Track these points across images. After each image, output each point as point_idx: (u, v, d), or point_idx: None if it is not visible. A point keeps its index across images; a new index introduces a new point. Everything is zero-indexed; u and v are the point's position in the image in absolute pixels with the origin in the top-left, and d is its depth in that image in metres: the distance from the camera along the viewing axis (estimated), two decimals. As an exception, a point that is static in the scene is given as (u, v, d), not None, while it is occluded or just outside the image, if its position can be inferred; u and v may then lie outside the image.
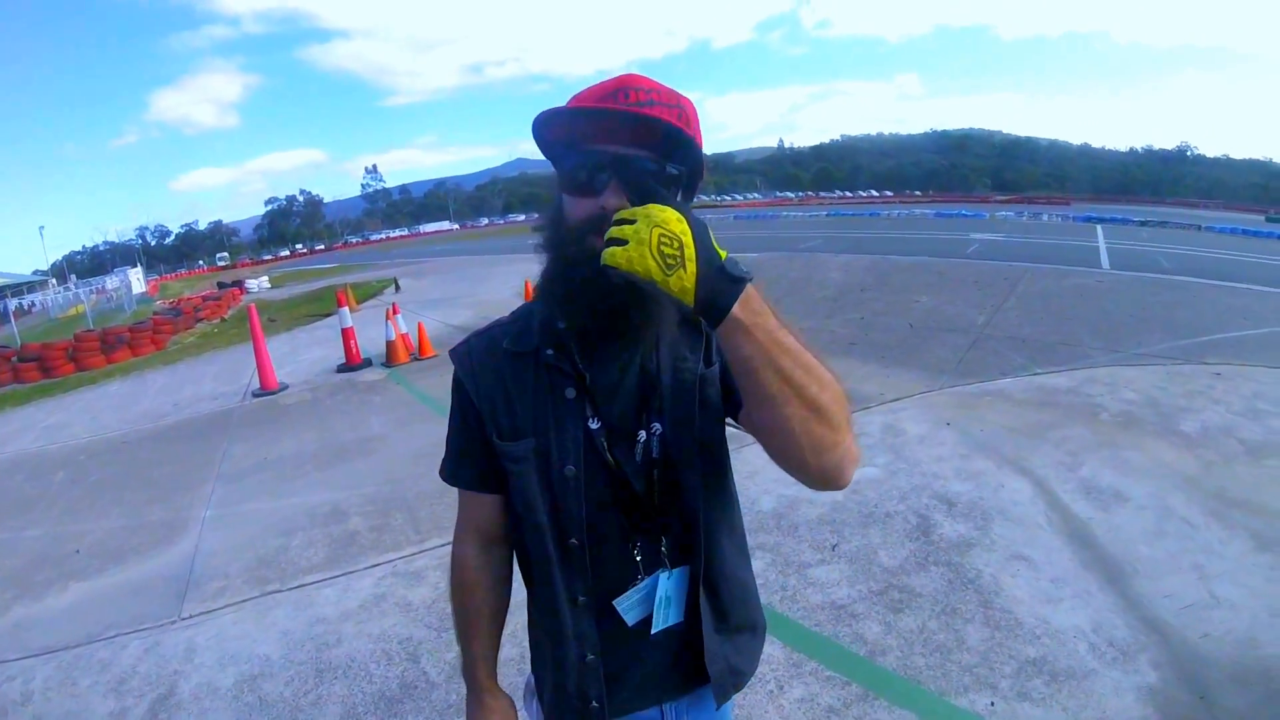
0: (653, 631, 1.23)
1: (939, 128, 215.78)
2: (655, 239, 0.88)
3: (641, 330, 1.12)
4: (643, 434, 1.19)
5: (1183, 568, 3.79)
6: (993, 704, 2.83)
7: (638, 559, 1.22)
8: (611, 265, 0.91)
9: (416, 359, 9.82)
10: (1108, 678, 2.96)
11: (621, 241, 0.90)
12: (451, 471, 1.32)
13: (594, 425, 1.17)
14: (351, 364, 9.84)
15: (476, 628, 1.36)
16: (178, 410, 8.77)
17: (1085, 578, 3.70)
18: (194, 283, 51.67)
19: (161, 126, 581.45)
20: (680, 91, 1.06)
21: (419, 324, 10.38)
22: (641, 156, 1.03)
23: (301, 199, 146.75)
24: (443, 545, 4.28)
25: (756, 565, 4.03)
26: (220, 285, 32.81)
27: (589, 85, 1.08)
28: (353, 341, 9.92)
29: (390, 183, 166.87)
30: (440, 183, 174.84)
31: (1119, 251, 21.69)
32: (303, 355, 11.36)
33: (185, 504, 5.49)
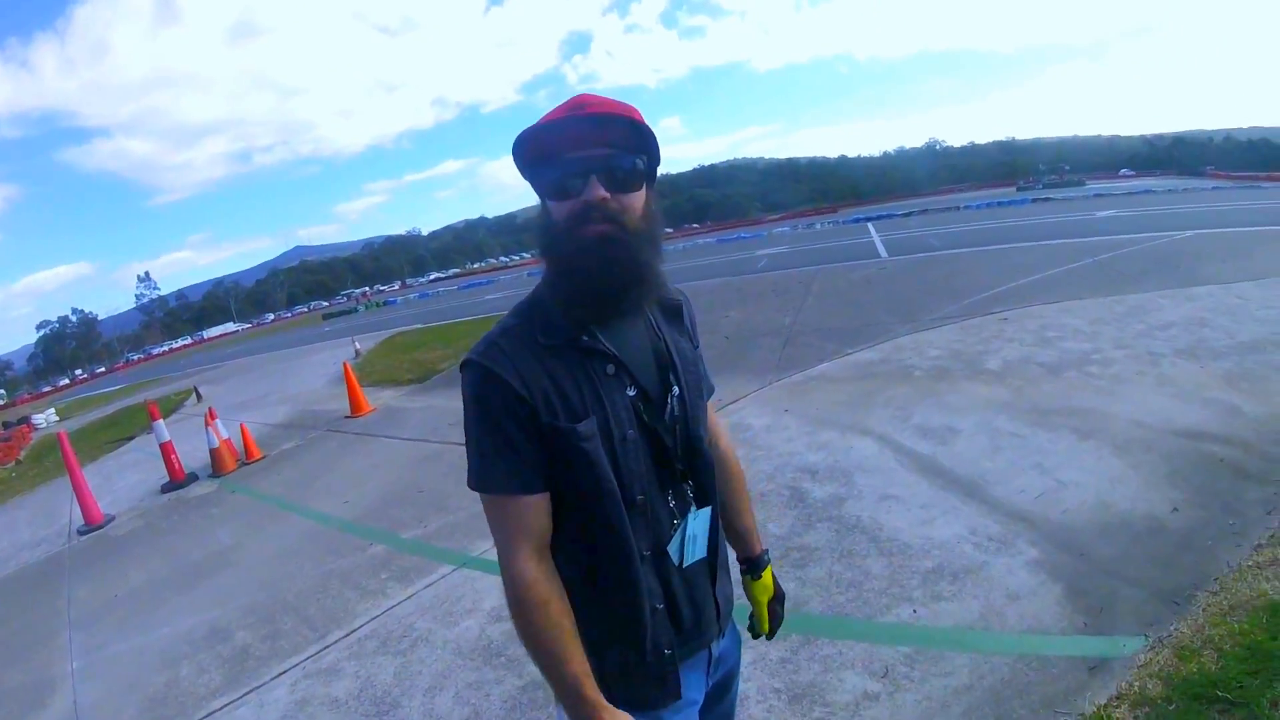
0: (684, 565, 1.39)
1: (705, 163, 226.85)
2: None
3: (642, 302, 1.36)
4: (669, 398, 1.38)
5: (1025, 469, 4.34)
6: (915, 611, 3.15)
7: (671, 505, 1.39)
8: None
9: (244, 464, 9.27)
10: (998, 564, 3.37)
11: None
12: (499, 480, 1.28)
13: (631, 393, 1.34)
14: (176, 481, 9.02)
15: (567, 645, 1.27)
16: (1, 564, 7.87)
17: (947, 498, 4.14)
18: None
19: None
20: (622, 101, 1.28)
21: (241, 425, 9.82)
22: (608, 154, 1.25)
23: (74, 319, 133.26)
24: (346, 635, 4.11)
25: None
26: (6, 425, 29.37)
27: (545, 112, 1.28)
28: (174, 456, 9.13)
29: (165, 289, 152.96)
30: (218, 282, 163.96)
31: (892, 241, 23.75)
32: (118, 482, 10.34)
33: (43, 662, 4.85)
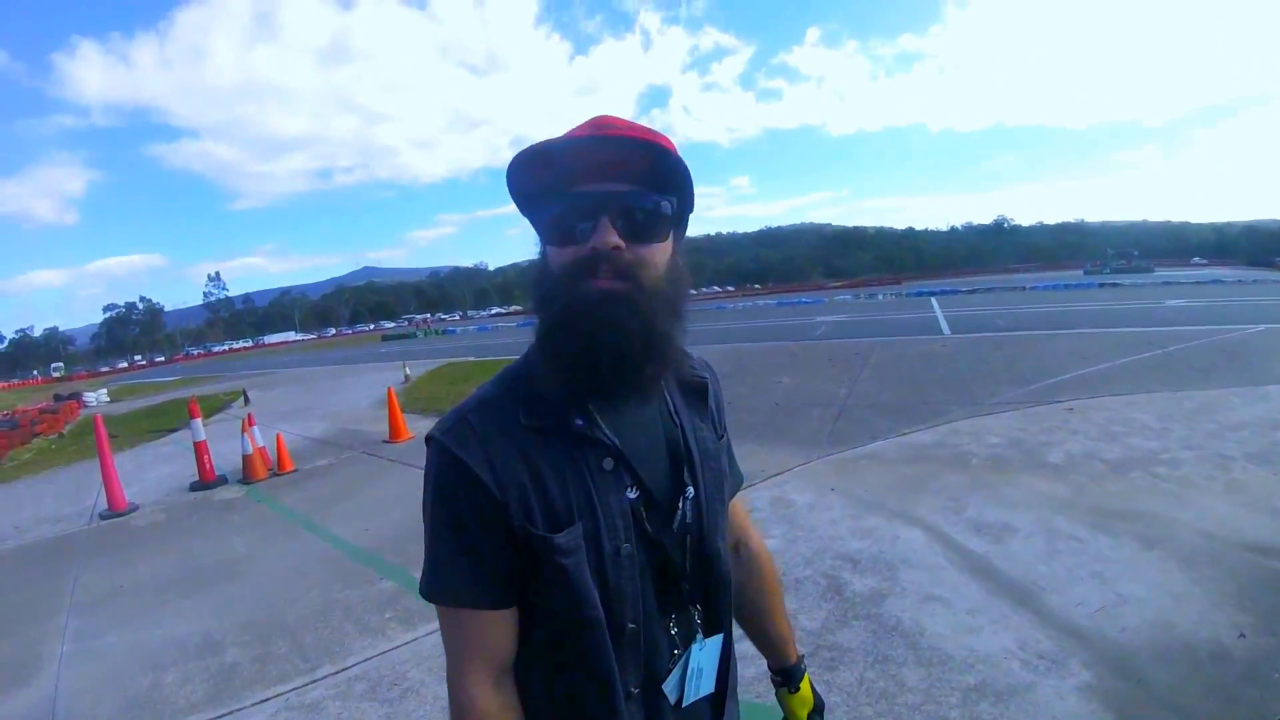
0: (685, 704, 1.17)
1: (772, 224, 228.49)
2: None
3: (654, 380, 1.08)
4: (680, 501, 1.14)
5: (1083, 578, 4.05)
6: (947, 733, 2.89)
7: (674, 632, 1.16)
8: None
9: (275, 474, 9.29)
10: (1047, 686, 3.10)
11: None
12: (456, 590, 1.05)
13: (632, 495, 1.08)
14: (206, 481, 9.13)
15: None
16: (18, 534, 7.86)
17: (997, 604, 3.87)
18: (27, 394, 47.60)
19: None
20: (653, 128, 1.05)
21: (278, 436, 9.88)
22: (627, 191, 1.01)
23: (141, 306, 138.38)
24: (337, 672, 3.98)
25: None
26: (57, 398, 30.28)
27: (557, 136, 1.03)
28: (206, 457, 9.25)
29: (233, 291, 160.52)
30: (285, 291, 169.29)
31: (956, 318, 23.36)
32: (150, 473, 10.50)
33: (36, 639, 4.86)
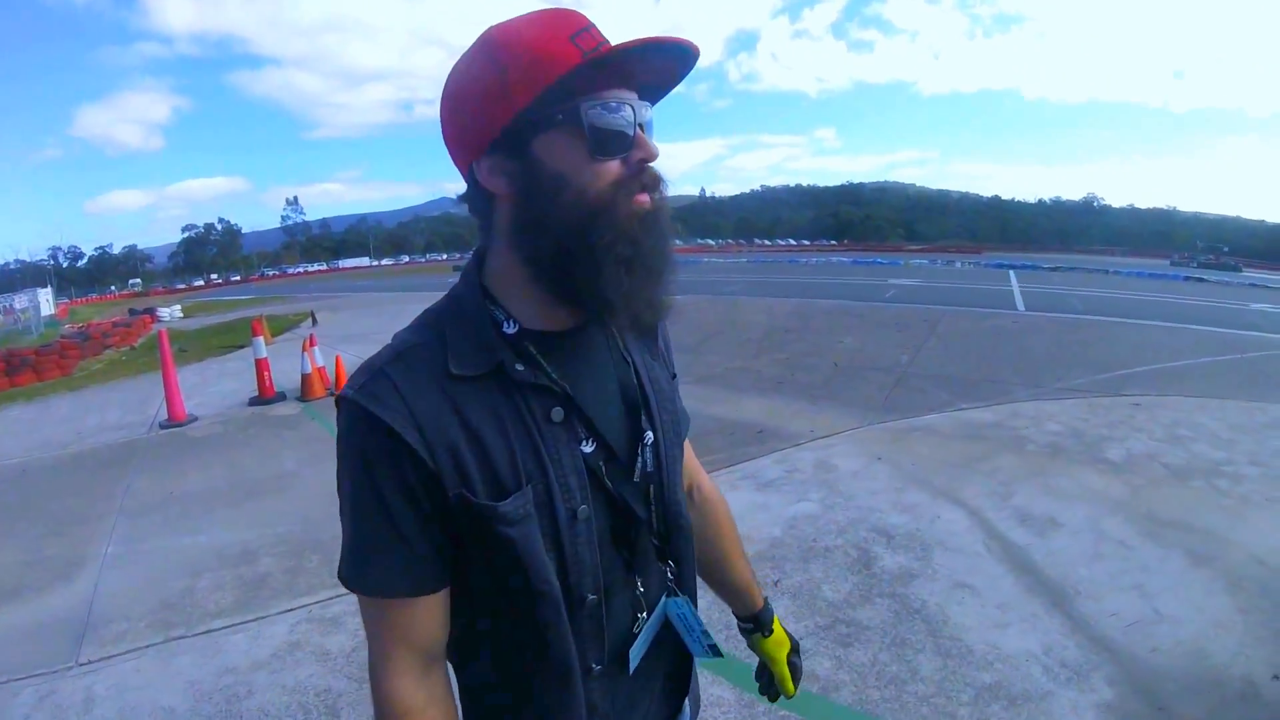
0: (696, 657, 1.12)
1: (855, 180, 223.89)
2: None
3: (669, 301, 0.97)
4: (639, 448, 1.02)
5: (1124, 587, 3.86)
6: (953, 731, 2.79)
7: (640, 593, 1.04)
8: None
9: (333, 394, 9.47)
10: (1065, 698, 2.96)
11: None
12: (377, 577, 0.92)
13: (587, 449, 0.96)
14: (264, 397, 9.42)
15: None
16: (80, 439, 8.23)
17: (1030, 602, 3.73)
18: (105, 308, 49.36)
19: (84, 144, 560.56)
20: None
21: (337, 357, 10.05)
22: (643, 104, 0.90)
23: (220, 228, 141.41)
24: None
25: (699, 605, 3.96)
26: (132, 312, 31.39)
27: (518, 21, 0.88)
28: (266, 374, 9.51)
29: (310, 216, 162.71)
30: (362, 218, 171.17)
31: (1032, 294, 22.58)
32: (213, 387, 10.86)
33: (85, 539, 5.10)
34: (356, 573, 0.93)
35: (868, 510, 4.92)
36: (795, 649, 1.45)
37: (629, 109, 0.86)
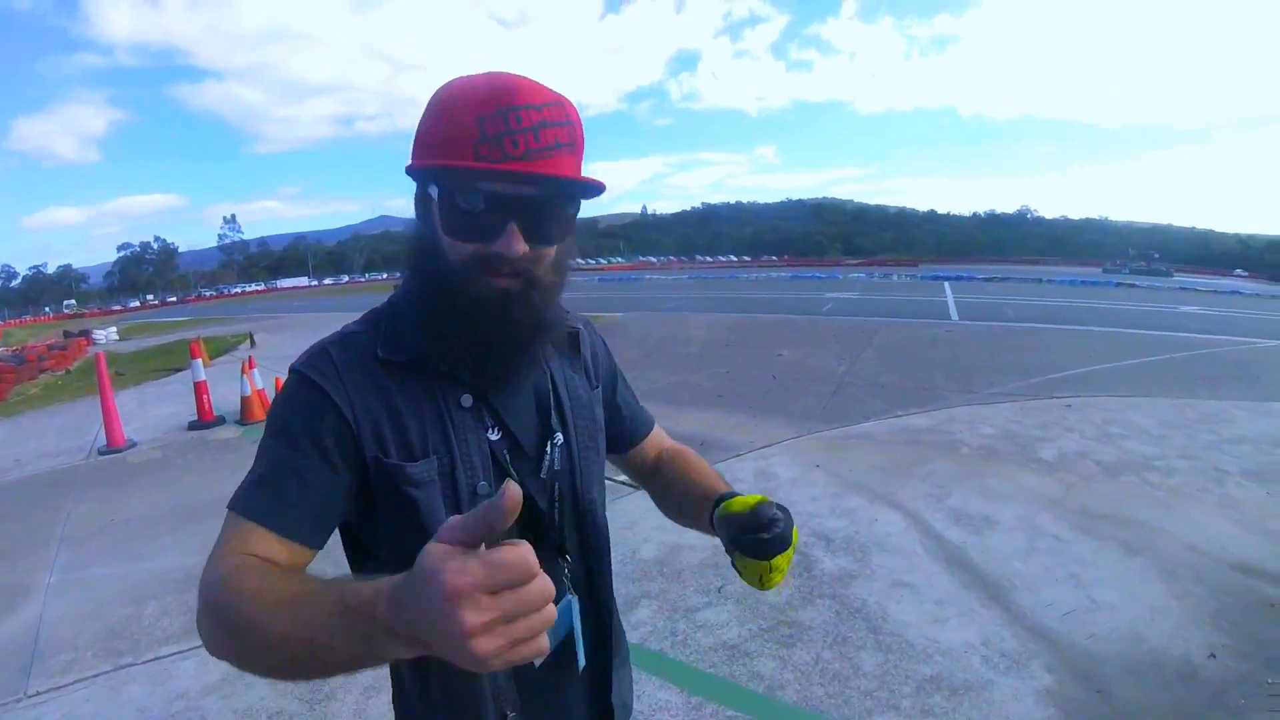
0: (581, 666, 1.09)
1: (794, 196, 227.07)
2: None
3: (540, 357, 1.09)
4: (548, 446, 1.10)
5: (1059, 579, 3.94)
6: (895, 724, 2.79)
7: None
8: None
9: None
10: (1005, 685, 3.00)
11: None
12: (259, 506, 0.94)
13: (494, 437, 1.05)
14: (204, 421, 9.18)
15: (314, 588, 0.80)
16: (19, 466, 7.92)
17: (967, 597, 3.77)
18: (39, 330, 47.44)
19: (21, 156, 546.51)
20: (564, 98, 0.97)
21: (276, 380, 9.84)
22: (537, 197, 0.93)
23: (156, 246, 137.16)
24: None
25: (644, 613, 3.98)
26: (67, 334, 30.45)
27: (460, 78, 0.96)
28: (206, 397, 9.28)
29: (249, 234, 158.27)
30: (300, 237, 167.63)
31: (966, 304, 23.09)
32: (152, 411, 10.54)
33: (26, 568, 4.92)
34: (241, 495, 0.95)
35: (807, 516, 4.93)
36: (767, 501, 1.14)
37: (481, 199, 0.91)
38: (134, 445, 8.45)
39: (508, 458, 1.05)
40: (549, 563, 1.00)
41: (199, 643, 2.87)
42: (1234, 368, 10.56)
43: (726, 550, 1.06)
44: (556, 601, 0.98)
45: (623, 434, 1.35)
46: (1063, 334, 14.50)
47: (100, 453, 8.24)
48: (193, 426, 9.21)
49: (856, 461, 6.17)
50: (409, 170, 0.97)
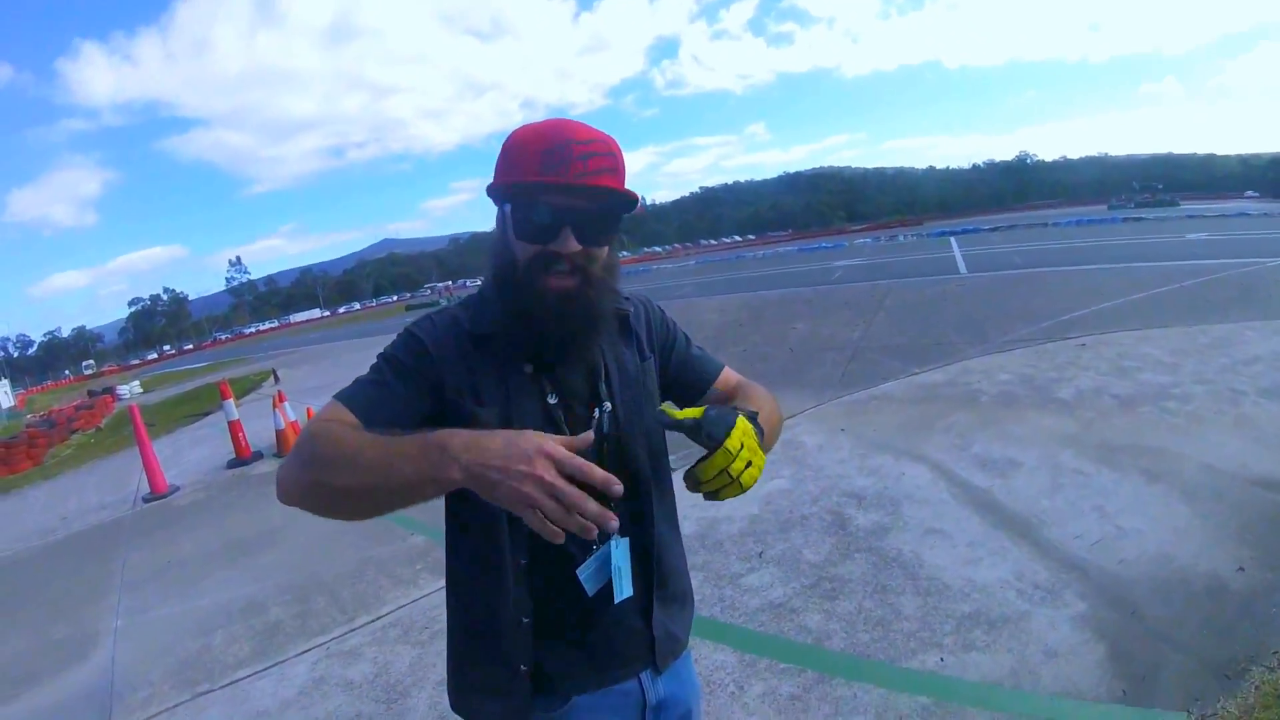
0: (617, 600, 1.26)
1: (790, 170, 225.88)
2: (760, 461, 1.17)
3: (592, 348, 1.32)
4: (597, 411, 1.31)
5: (1085, 511, 4.07)
6: (942, 660, 2.94)
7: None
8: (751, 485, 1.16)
9: None
10: (1041, 615, 3.14)
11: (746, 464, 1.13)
12: (351, 393, 1.23)
13: (552, 400, 1.28)
14: (242, 458, 9.36)
15: (398, 433, 1.07)
16: (66, 525, 8.09)
17: (997, 537, 3.90)
18: (62, 393, 48.06)
19: (19, 228, 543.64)
20: (606, 133, 1.21)
21: (308, 410, 10.00)
22: (588, 209, 1.18)
23: (165, 297, 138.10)
24: (372, 621, 4.17)
25: (692, 582, 4.07)
26: (91, 394, 30.77)
27: (526, 125, 1.22)
28: (241, 435, 9.47)
29: (255, 274, 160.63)
30: (307, 270, 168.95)
31: (974, 257, 23.10)
32: (188, 455, 10.73)
33: (91, 618, 5.05)
34: (345, 390, 1.25)
35: (836, 478, 5.08)
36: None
37: (542, 210, 1.17)
38: (177, 490, 8.59)
39: (562, 418, 1.28)
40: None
41: (270, 662, 3.07)
42: (1242, 290, 10.56)
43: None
44: (603, 542, 1.26)
45: (693, 383, 1.53)
46: (1072, 275, 14.52)
47: (145, 500, 8.38)
48: (231, 465, 9.38)
49: (879, 422, 6.29)
50: (490, 191, 1.25)
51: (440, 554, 4.75)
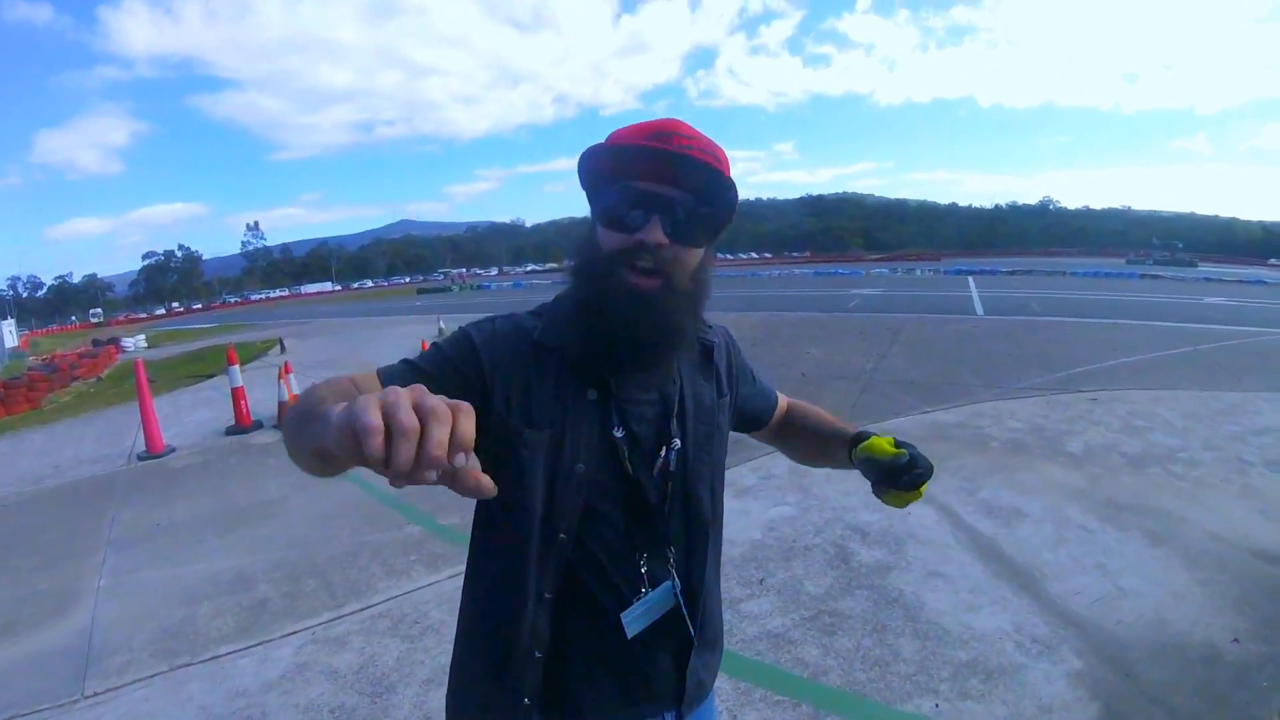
0: (654, 643, 1.26)
1: (814, 192, 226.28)
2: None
3: (667, 363, 1.25)
4: (664, 449, 1.25)
5: (1086, 568, 4.10)
6: (937, 705, 2.98)
7: (644, 570, 1.23)
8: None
9: None
10: (1037, 669, 3.17)
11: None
12: (391, 372, 1.14)
13: (619, 434, 1.20)
14: (242, 425, 9.32)
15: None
16: (59, 473, 8.08)
17: (999, 586, 3.94)
18: (66, 339, 47.50)
19: (45, 169, 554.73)
20: (713, 141, 1.16)
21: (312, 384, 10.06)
22: (680, 198, 1.11)
23: (180, 255, 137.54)
24: (362, 610, 4.18)
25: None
26: (96, 343, 30.62)
27: (630, 124, 1.17)
28: (243, 402, 9.42)
29: (271, 241, 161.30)
30: (323, 242, 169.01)
31: (991, 299, 23.11)
32: (187, 417, 10.69)
33: (75, 573, 5.03)
34: (384, 370, 1.14)
35: (842, 510, 5.11)
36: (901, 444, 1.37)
37: (632, 194, 1.12)
38: (173, 451, 8.55)
39: (625, 453, 1.20)
40: (655, 549, 1.25)
41: (254, 641, 3.12)
42: (1257, 359, 10.59)
43: (874, 488, 1.37)
44: (656, 584, 1.25)
45: (756, 416, 1.57)
46: (1087, 327, 14.54)
47: (140, 458, 8.34)
48: (230, 431, 9.31)
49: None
50: (582, 181, 1.20)
51: (435, 547, 4.84)
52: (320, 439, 0.79)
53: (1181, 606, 3.64)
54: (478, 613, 1.29)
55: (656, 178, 1.11)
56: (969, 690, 3.05)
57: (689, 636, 1.30)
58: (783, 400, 1.64)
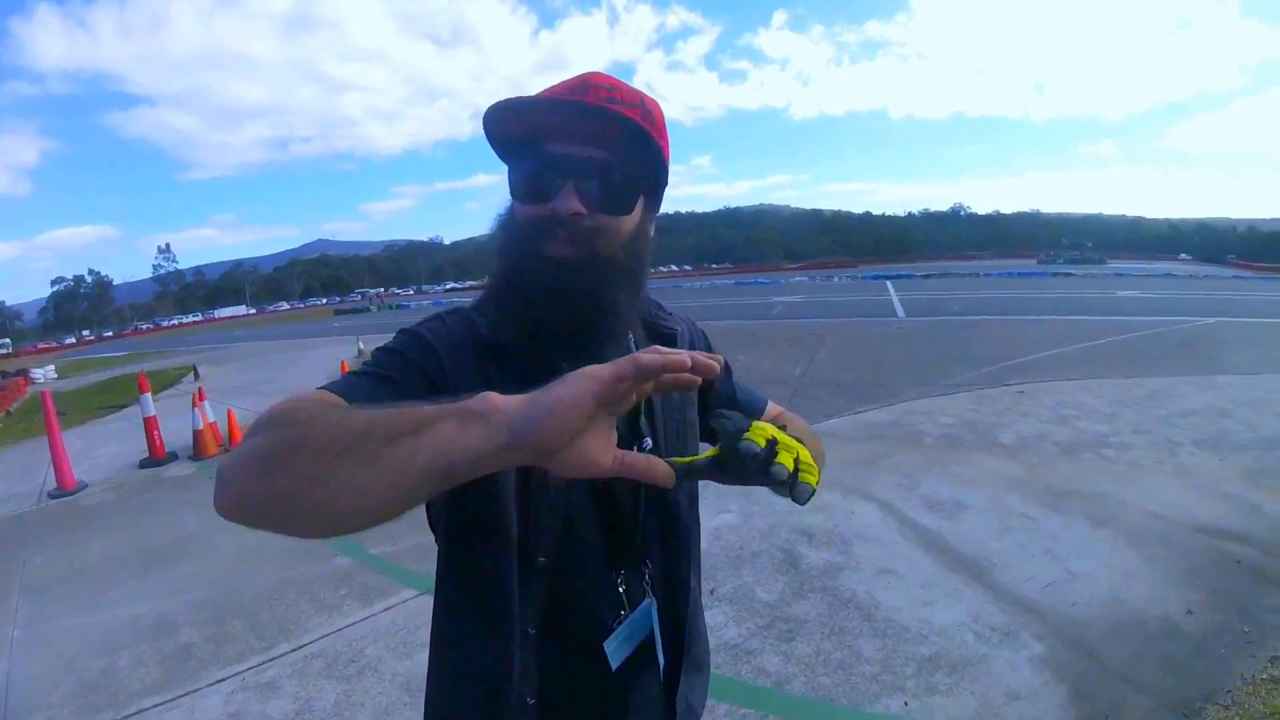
0: (661, 667, 1.12)
1: (732, 205, 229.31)
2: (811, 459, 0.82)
3: (601, 342, 1.01)
4: (634, 448, 1.06)
5: (1034, 554, 4.11)
6: (906, 704, 2.91)
7: (621, 591, 1.07)
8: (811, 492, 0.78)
9: (226, 449, 9.00)
10: (1000, 657, 3.13)
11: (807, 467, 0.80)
12: (344, 383, 0.92)
13: None
14: (156, 458, 8.85)
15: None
16: None
17: (950, 578, 3.91)
18: None
19: None
20: (643, 92, 1.00)
21: (229, 412, 9.60)
22: (599, 159, 0.96)
23: (90, 280, 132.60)
24: (293, 650, 3.90)
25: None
26: (3, 375, 29.29)
27: (548, 86, 1.00)
28: (156, 433, 8.94)
29: (184, 264, 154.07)
30: (238, 264, 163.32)
31: (911, 301, 23.60)
32: (99, 450, 10.15)
33: None
34: (331, 382, 0.93)
35: (785, 514, 5.04)
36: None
37: (542, 158, 0.97)
38: (85, 487, 8.10)
39: None
40: (633, 567, 1.08)
41: (180, 691, 2.83)
42: (1176, 345, 11.03)
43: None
44: (635, 606, 1.06)
45: (744, 412, 1.37)
46: (1007, 324, 14.94)
47: (50, 496, 7.91)
48: (144, 464, 8.81)
49: (825, 459, 6.29)
50: (495, 148, 1.03)
51: (367, 579, 4.60)
52: (443, 451, 0.68)
53: (1133, 584, 3.67)
54: (456, 657, 1.10)
55: (570, 138, 0.96)
56: (935, 685, 2.98)
57: (674, 660, 1.16)
58: (773, 406, 1.43)
